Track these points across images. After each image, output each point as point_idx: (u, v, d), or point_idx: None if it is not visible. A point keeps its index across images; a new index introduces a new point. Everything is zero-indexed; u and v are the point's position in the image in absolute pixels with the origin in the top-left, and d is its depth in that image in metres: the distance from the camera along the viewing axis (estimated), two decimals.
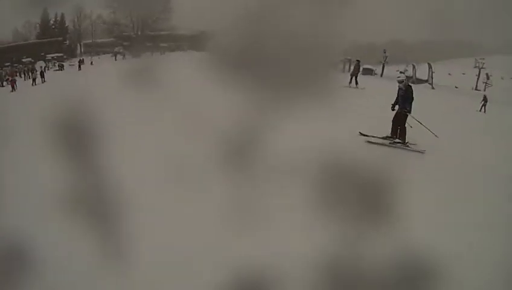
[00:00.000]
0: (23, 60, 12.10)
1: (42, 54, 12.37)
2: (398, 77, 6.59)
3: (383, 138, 6.51)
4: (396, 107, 6.35)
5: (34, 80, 11.37)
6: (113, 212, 3.74)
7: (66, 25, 12.78)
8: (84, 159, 4.35)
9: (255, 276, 3.11)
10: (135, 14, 12.05)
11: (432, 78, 10.27)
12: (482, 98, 8.72)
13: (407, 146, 6.28)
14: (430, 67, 10.29)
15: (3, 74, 11.40)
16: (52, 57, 12.50)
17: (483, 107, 8.57)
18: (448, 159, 5.35)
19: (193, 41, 12.06)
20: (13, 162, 5.26)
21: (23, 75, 11.85)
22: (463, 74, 10.62)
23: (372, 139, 6.46)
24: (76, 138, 4.56)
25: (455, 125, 6.77)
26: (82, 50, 13.05)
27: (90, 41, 13.06)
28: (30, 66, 12.01)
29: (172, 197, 4.08)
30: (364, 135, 6.54)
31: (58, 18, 12.66)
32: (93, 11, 12.50)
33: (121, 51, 12.51)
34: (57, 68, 12.39)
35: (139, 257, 3.27)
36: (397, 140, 6.44)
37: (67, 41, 12.91)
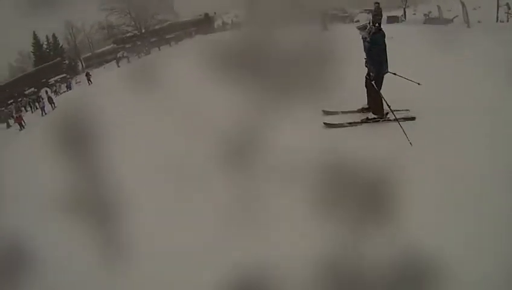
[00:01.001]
0: (26, 92, 11.65)
1: (44, 80, 11.90)
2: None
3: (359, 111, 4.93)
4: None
5: (42, 109, 10.70)
6: (113, 212, 3.74)
7: (60, 44, 12.34)
8: (84, 159, 4.36)
9: (255, 276, 3.11)
10: (135, 9, 11.35)
11: (467, 15, 9.52)
12: None
13: (388, 119, 4.69)
14: (463, 5, 9.61)
15: (8, 113, 10.70)
16: (56, 80, 12.01)
17: None
18: None
19: (199, 26, 11.57)
20: (13, 162, 5.27)
21: (29, 108, 11.26)
22: (479, 7, 10.05)
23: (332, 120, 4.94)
24: (76, 138, 4.57)
25: None
26: (84, 65, 12.51)
27: (90, 54, 12.58)
28: (34, 96, 11.51)
29: (172, 197, 4.08)
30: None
31: (51, 40, 12.22)
32: (85, 22, 11.87)
33: (124, 54, 11.99)
34: (65, 89, 11.85)
35: (139, 257, 3.27)
36: (371, 115, 4.82)
37: (66, 61, 12.44)
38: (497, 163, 4.54)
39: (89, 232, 3.49)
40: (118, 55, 12.10)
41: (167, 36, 11.46)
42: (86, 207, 3.81)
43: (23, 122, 10.04)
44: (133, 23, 11.67)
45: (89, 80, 11.54)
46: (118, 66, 11.85)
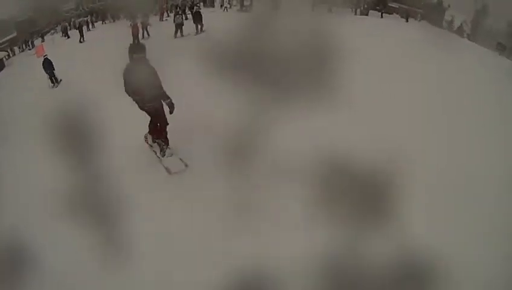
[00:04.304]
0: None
1: None
2: None
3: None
4: None
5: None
6: (113, 212, 3.74)
7: None
8: (84, 158, 4.35)
9: (255, 276, 3.11)
10: None
11: None
12: None
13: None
14: None
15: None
16: None
17: None
18: None
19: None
20: (13, 162, 5.26)
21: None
22: None
23: None
24: (76, 137, 4.56)
25: None
26: None
27: None
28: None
29: (172, 197, 4.08)
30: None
31: None
32: None
33: None
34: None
35: (139, 257, 3.27)
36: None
37: None
38: (497, 164, 4.56)
39: (89, 232, 3.48)
40: None
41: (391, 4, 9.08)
42: (86, 207, 3.81)
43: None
44: None
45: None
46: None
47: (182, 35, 8.83)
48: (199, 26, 8.94)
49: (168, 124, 3.99)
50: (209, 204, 3.89)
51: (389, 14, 9.64)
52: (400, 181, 3.78)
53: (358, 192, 3.81)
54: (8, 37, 9.07)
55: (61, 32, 9.51)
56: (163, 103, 3.89)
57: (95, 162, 4.37)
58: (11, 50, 9.15)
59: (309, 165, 4.16)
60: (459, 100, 5.83)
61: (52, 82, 5.74)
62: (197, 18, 8.98)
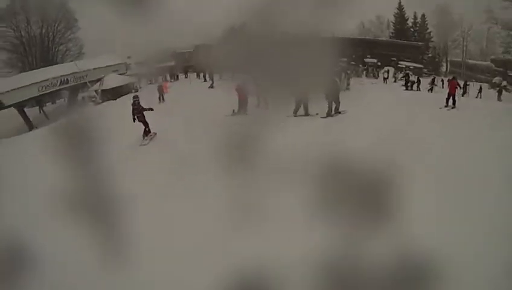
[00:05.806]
0: (366, 59, 9.47)
1: (393, 58, 9.33)
2: None
3: None
4: None
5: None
6: (113, 212, 3.74)
7: (429, 30, 9.41)
8: (84, 159, 4.36)
9: (255, 276, 3.11)
10: None
11: None
12: None
13: None
14: None
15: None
16: (407, 66, 9.24)
17: None
18: None
19: None
20: (13, 163, 5.27)
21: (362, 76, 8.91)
22: None
23: None
24: (77, 138, 4.57)
25: None
26: (448, 68, 9.28)
27: (460, 60, 9.25)
28: (373, 69, 9.15)
29: (172, 197, 4.08)
30: None
31: (419, 20, 9.46)
32: (465, 17, 8.39)
33: (502, 83, 7.89)
34: (405, 84, 8.52)
35: (139, 257, 3.27)
36: None
37: (430, 53, 9.60)
38: (497, 165, 4.56)
39: (89, 232, 3.48)
40: (495, 80, 8.00)
41: None
42: (86, 207, 3.81)
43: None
44: None
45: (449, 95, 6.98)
46: (499, 100, 7.59)
47: (307, 114, 6.30)
48: (333, 105, 6.44)
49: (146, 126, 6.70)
50: (209, 204, 3.90)
51: None
52: (400, 181, 3.78)
53: (359, 193, 3.80)
54: (164, 64, 9.71)
55: (196, 74, 10.26)
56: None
57: (96, 163, 4.37)
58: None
59: (309, 165, 4.16)
60: None
61: (160, 100, 8.83)
62: (333, 93, 6.29)
